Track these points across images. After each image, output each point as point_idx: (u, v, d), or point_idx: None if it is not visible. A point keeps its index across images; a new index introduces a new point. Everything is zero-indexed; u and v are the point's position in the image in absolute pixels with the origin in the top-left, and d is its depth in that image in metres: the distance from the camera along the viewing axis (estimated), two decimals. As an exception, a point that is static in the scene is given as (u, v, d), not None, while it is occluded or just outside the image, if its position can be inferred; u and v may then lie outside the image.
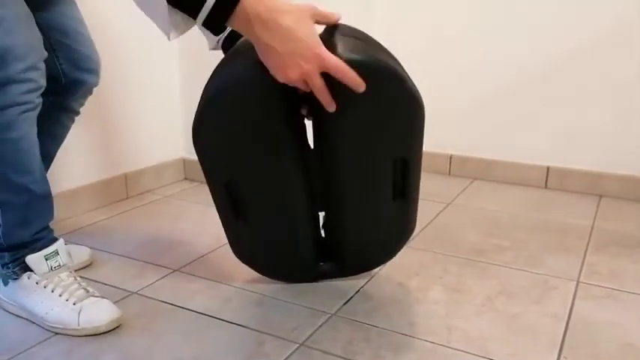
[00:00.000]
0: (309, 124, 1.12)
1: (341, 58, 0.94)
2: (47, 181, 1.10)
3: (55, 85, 1.19)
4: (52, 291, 1.07)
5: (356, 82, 0.95)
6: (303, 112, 1.10)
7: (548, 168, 2.00)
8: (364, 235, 1.20)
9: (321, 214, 1.23)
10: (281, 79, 0.94)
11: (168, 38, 0.91)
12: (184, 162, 2.06)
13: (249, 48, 0.96)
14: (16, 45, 0.99)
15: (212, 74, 1.07)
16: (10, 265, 1.09)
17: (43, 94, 1.06)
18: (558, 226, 1.63)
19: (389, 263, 1.35)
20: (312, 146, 1.13)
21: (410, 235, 1.24)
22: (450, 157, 2.17)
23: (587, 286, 1.26)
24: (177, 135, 1.99)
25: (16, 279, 1.09)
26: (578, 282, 1.28)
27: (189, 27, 0.93)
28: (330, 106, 0.98)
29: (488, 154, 2.10)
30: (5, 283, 1.12)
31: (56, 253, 1.10)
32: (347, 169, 1.12)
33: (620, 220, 1.69)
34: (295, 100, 1.06)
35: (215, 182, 1.12)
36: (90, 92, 1.29)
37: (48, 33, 1.14)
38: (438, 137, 2.18)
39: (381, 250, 1.25)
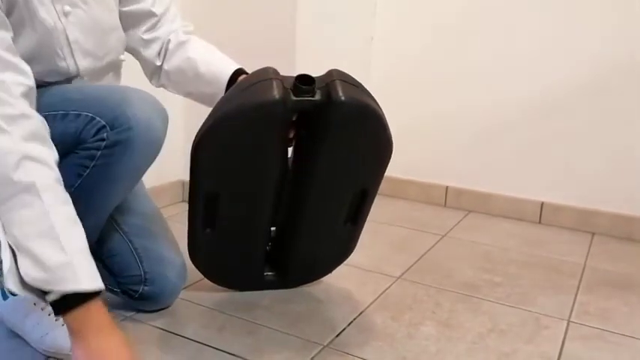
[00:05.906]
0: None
1: (340, 99, 1.06)
2: None
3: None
4: (50, 314, 1.07)
5: None
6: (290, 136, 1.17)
7: (542, 203, 2.03)
8: (311, 252, 1.32)
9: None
10: None
11: None
12: (183, 184, 2.08)
13: (265, 75, 1.06)
14: None
15: (225, 98, 1.11)
16: None
17: None
18: (551, 263, 1.64)
19: (383, 295, 1.37)
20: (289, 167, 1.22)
21: (349, 256, 1.38)
22: (447, 189, 2.19)
23: (577, 326, 1.27)
24: (176, 157, 2.00)
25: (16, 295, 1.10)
26: (569, 322, 1.29)
27: None
28: None
29: (484, 187, 2.13)
30: (5, 298, 1.13)
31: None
32: (315, 194, 1.22)
33: (611, 259, 1.70)
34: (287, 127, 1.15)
35: (198, 191, 1.17)
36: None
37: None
38: (435, 168, 2.21)
39: (321, 267, 1.38)
